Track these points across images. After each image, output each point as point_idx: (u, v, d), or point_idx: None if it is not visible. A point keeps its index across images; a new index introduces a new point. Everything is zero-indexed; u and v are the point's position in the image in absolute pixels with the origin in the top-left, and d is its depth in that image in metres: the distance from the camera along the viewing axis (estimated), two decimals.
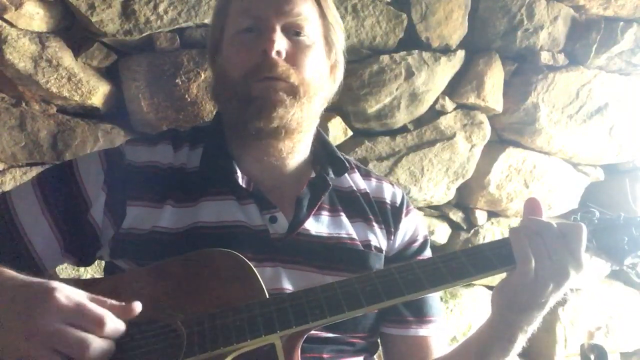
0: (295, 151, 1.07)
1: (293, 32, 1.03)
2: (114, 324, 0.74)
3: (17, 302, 0.73)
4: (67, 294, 0.73)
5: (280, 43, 1.00)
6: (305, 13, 1.04)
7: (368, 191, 1.12)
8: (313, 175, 1.07)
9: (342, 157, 1.12)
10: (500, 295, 0.89)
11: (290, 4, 1.03)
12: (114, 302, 0.77)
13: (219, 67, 1.08)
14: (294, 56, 1.02)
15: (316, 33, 1.06)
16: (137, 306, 0.78)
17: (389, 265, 0.99)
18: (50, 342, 0.70)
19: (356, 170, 1.15)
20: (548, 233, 0.85)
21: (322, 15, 1.08)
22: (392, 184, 1.18)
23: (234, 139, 1.06)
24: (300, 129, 1.03)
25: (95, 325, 0.72)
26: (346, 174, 1.12)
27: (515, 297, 0.86)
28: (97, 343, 0.72)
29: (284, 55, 1.01)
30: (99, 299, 0.76)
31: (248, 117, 1.00)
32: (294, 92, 1.01)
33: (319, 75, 1.06)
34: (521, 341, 0.91)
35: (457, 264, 0.87)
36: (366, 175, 1.16)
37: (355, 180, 1.13)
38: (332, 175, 1.08)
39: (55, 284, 0.74)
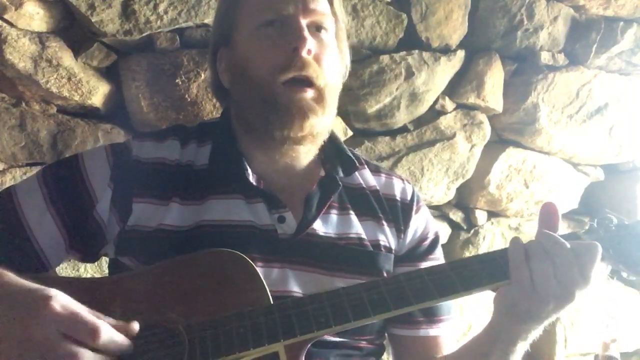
0: (312, 152, 1.06)
1: (315, 30, 1.01)
2: (109, 336, 0.72)
3: (14, 308, 0.72)
4: (63, 302, 0.71)
5: (311, 41, 0.97)
6: (326, 11, 1.02)
7: (377, 188, 1.10)
8: (323, 174, 1.06)
9: (351, 155, 1.10)
10: (500, 301, 0.88)
11: (314, 2, 1.00)
12: (111, 320, 0.75)
13: (235, 64, 1.04)
14: (319, 55, 0.99)
15: (332, 32, 1.05)
16: (135, 327, 0.76)
17: (398, 272, 0.97)
18: (41, 352, 0.69)
19: (365, 166, 1.13)
20: (559, 254, 0.82)
21: (334, 12, 1.06)
22: (403, 179, 1.16)
23: (246, 137, 1.04)
24: (324, 133, 1.02)
25: (89, 335, 0.70)
26: (355, 171, 1.09)
27: (513, 308, 0.85)
28: (87, 358, 0.70)
29: (312, 54, 0.98)
30: (98, 314, 0.74)
31: (274, 124, 0.97)
32: (321, 97, 0.99)
33: (337, 75, 1.05)
34: (522, 347, 0.90)
35: (469, 272, 0.84)
36: (376, 171, 1.14)
37: (365, 177, 1.11)
38: (341, 174, 1.06)
39: (53, 291, 0.72)
